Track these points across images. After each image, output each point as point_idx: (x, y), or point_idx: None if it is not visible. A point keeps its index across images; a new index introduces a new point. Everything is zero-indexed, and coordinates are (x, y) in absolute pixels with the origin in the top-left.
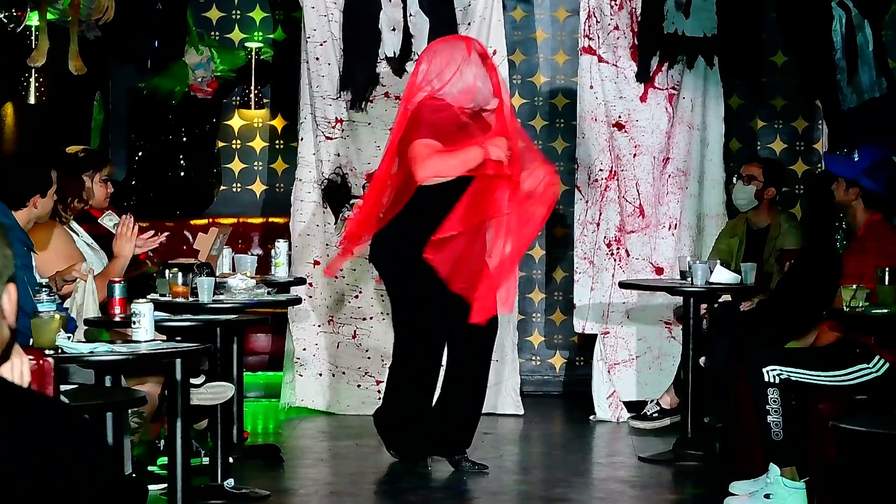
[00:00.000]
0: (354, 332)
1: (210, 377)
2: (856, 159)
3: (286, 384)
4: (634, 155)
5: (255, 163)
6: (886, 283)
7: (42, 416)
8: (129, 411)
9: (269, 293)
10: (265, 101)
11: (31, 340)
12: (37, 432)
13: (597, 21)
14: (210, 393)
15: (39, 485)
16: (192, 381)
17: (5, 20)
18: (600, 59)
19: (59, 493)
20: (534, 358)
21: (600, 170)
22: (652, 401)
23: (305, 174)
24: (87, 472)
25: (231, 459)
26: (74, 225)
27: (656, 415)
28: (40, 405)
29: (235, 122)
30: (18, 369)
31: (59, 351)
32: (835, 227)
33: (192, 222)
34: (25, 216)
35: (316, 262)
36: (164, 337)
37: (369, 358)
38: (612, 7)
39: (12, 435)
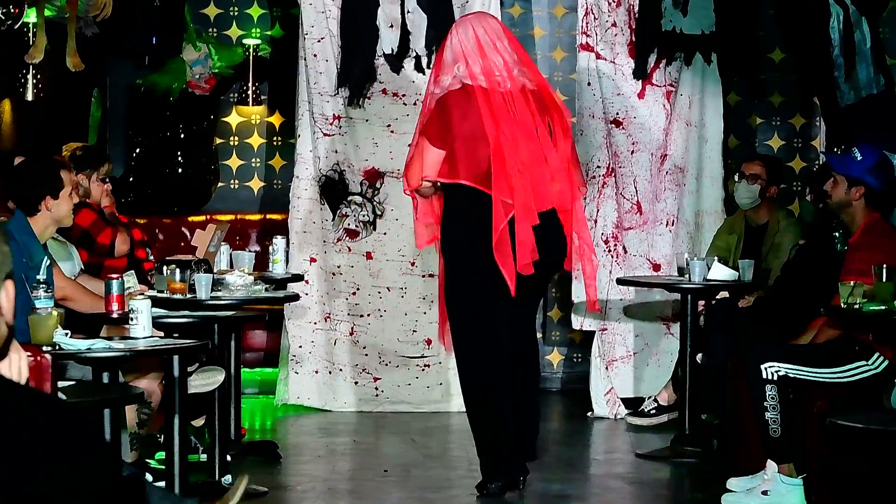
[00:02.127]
0: (352, 329)
1: (205, 364)
2: (858, 158)
3: (281, 381)
4: (632, 152)
5: (253, 159)
6: (884, 279)
7: (40, 412)
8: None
9: (266, 290)
10: (263, 97)
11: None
12: (35, 429)
13: (594, 18)
14: (201, 379)
15: (38, 480)
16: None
17: (3, 17)
18: (598, 56)
19: (58, 488)
20: None
21: (598, 167)
22: (649, 397)
23: (303, 171)
24: (84, 468)
25: (229, 456)
26: None
27: (654, 411)
28: (38, 402)
29: (233, 119)
30: (17, 366)
31: (57, 347)
32: (833, 225)
33: (190, 219)
34: (42, 222)
35: (313, 260)
36: (162, 333)
37: (366, 355)
38: (609, 4)
39: (10, 431)
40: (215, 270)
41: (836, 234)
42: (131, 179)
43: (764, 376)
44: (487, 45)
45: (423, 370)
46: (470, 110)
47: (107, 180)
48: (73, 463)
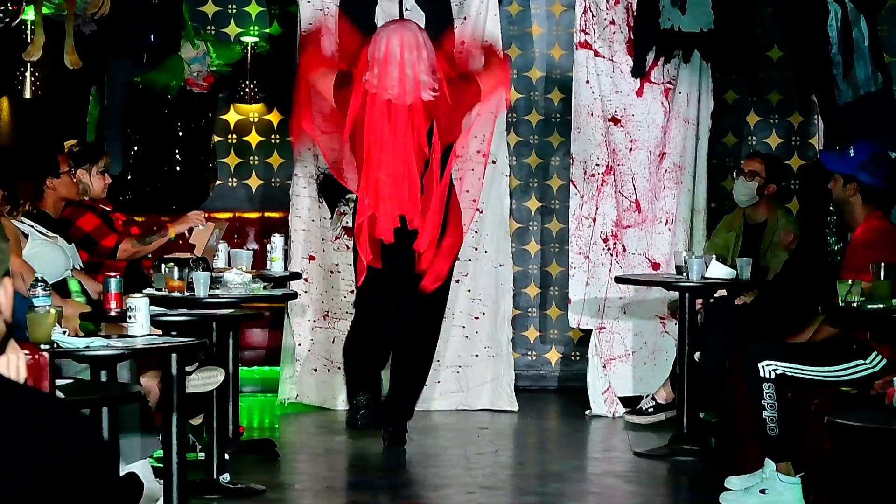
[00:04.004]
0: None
1: (205, 364)
2: (852, 154)
3: (285, 379)
4: (630, 150)
5: (251, 157)
6: (882, 278)
7: (37, 411)
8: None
9: (264, 288)
10: (261, 95)
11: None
12: (32, 427)
13: (593, 16)
14: (201, 378)
15: (35, 479)
16: (186, 367)
17: (1, 14)
18: (596, 54)
19: (55, 487)
20: (529, 353)
21: (596, 165)
22: (647, 396)
23: (301, 169)
24: (82, 467)
25: (227, 454)
26: (27, 220)
27: (652, 410)
28: (35, 400)
29: (231, 117)
30: (15, 364)
31: (55, 345)
32: (827, 223)
33: None
34: (53, 197)
35: (311, 258)
36: (160, 332)
37: None
38: (607, 2)
39: (7, 430)
40: (213, 268)
41: (829, 228)
42: (129, 177)
43: (762, 374)
44: (394, 56)
45: None
46: (362, 114)
47: (105, 173)
48: (71, 461)
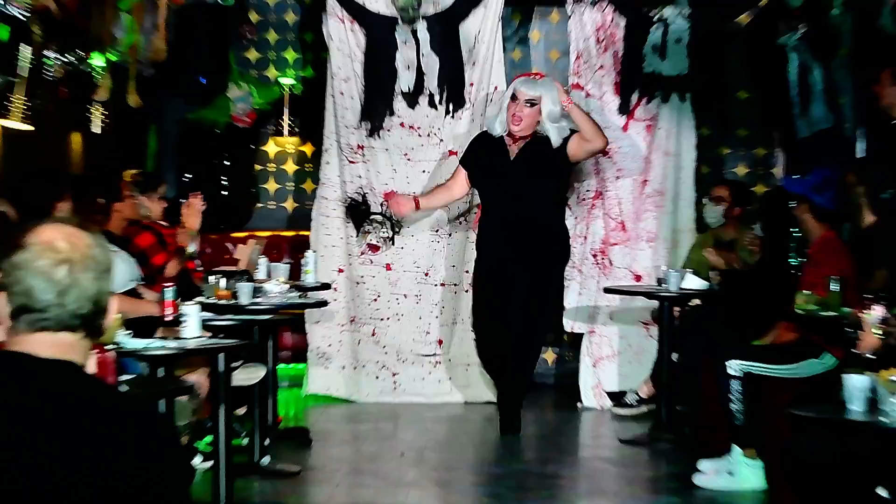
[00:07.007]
0: (373, 330)
1: (248, 362)
2: (807, 179)
3: (307, 375)
4: (617, 177)
5: (287, 183)
6: (834, 290)
7: (122, 412)
8: (188, 396)
9: (299, 296)
10: (296, 129)
11: None
12: (117, 427)
13: (584, 62)
14: (245, 374)
15: (117, 481)
16: (232, 364)
17: (75, 61)
18: (587, 94)
19: (140, 489)
20: None
21: (587, 190)
22: (631, 391)
23: (330, 193)
24: (165, 468)
25: (267, 441)
26: None
27: (635, 403)
28: (121, 403)
29: (270, 148)
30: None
31: (119, 346)
32: (788, 240)
33: (233, 235)
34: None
35: (340, 270)
36: (210, 334)
37: (386, 353)
38: (598, 49)
39: (97, 430)
40: (255, 279)
41: (792, 245)
42: (181, 201)
43: (729, 372)
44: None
45: (434, 366)
46: None
47: (162, 199)
48: (156, 463)
